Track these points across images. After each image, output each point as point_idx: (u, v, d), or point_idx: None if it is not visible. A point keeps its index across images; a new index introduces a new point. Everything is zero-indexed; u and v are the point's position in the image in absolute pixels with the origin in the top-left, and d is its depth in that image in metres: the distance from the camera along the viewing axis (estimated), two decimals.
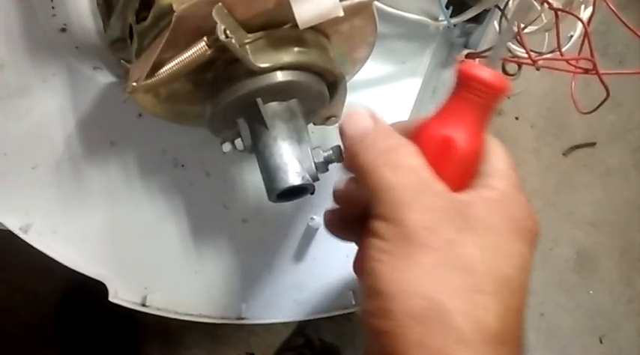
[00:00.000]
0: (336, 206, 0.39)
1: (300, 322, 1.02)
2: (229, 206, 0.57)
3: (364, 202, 0.34)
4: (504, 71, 0.68)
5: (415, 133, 0.34)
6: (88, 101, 0.52)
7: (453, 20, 0.57)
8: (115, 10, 0.43)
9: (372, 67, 0.57)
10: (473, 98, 0.33)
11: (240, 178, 0.57)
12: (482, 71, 0.33)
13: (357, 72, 0.50)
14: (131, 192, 0.55)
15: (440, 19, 0.58)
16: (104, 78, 0.51)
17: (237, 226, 0.58)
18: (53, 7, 0.50)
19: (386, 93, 0.59)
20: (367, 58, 0.48)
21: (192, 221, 0.56)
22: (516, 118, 1.26)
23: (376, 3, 0.46)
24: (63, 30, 0.49)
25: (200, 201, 0.56)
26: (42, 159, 0.52)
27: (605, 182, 1.31)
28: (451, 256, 0.30)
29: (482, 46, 0.63)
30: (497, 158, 0.34)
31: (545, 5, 0.57)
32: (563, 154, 1.29)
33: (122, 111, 0.52)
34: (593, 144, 1.30)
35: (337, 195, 0.39)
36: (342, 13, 0.37)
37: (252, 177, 0.56)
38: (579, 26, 0.60)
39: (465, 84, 0.33)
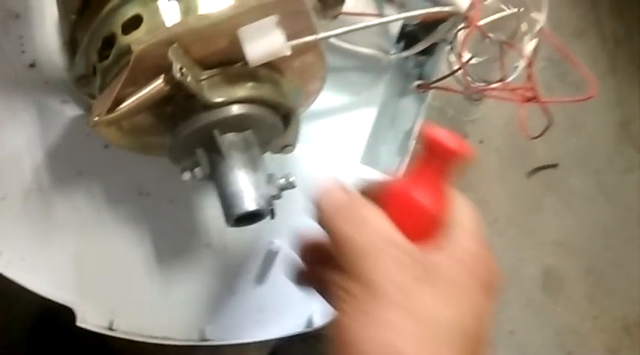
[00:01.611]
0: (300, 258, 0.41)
1: (273, 345, 1.03)
2: (193, 232, 0.59)
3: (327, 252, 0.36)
4: (469, 97, 0.72)
5: (386, 194, 0.36)
6: (56, 133, 0.53)
7: (404, 53, 0.61)
8: (80, 49, 0.45)
9: (329, 98, 0.60)
10: (435, 160, 0.35)
11: (202, 205, 0.58)
12: (443, 136, 0.34)
13: (311, 103, 0.52)
14: (98, 220, 0.56)
15: (391, 52, 0.61)
16: (72, 111, 0.53)
17: (200, 251, 0.59)
18: (22, 44, 0.52)
19: (342, 122, 0.62)
20: (320, 91, 0.50)
21: (158, 247, 0.58)
22: (480, 142, 1.30)
23: (329, 39, 0.49)
24: (32, 66, 0.51)
25: (165, 227, 0.58)
26: (11, 189, 0.54)
27: (569, 203, 1.34)
28: (411, 306, 0.31)
29: (435, 76, 0.66)
30: (462, 215, 0.36)
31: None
32: (527, 176, 1.32)
33: (89, 142, 0.53)
34: (555, 166, 1.34)
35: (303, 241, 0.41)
36: (289, 52, 0.40)
37: (213, 204, 0.57)
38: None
39: (427, 147, 0.35)
